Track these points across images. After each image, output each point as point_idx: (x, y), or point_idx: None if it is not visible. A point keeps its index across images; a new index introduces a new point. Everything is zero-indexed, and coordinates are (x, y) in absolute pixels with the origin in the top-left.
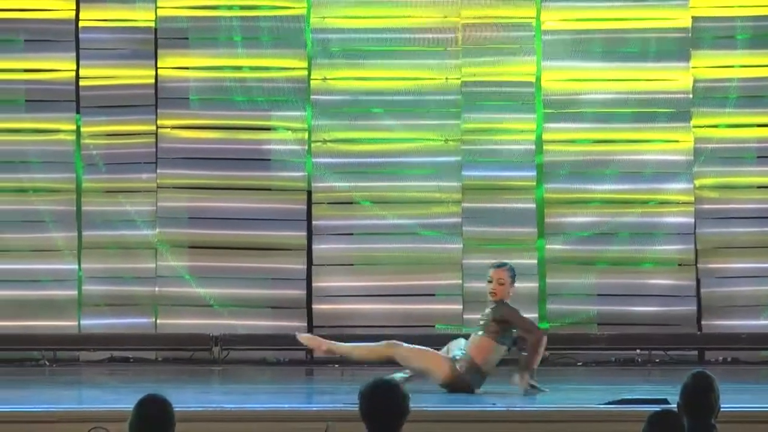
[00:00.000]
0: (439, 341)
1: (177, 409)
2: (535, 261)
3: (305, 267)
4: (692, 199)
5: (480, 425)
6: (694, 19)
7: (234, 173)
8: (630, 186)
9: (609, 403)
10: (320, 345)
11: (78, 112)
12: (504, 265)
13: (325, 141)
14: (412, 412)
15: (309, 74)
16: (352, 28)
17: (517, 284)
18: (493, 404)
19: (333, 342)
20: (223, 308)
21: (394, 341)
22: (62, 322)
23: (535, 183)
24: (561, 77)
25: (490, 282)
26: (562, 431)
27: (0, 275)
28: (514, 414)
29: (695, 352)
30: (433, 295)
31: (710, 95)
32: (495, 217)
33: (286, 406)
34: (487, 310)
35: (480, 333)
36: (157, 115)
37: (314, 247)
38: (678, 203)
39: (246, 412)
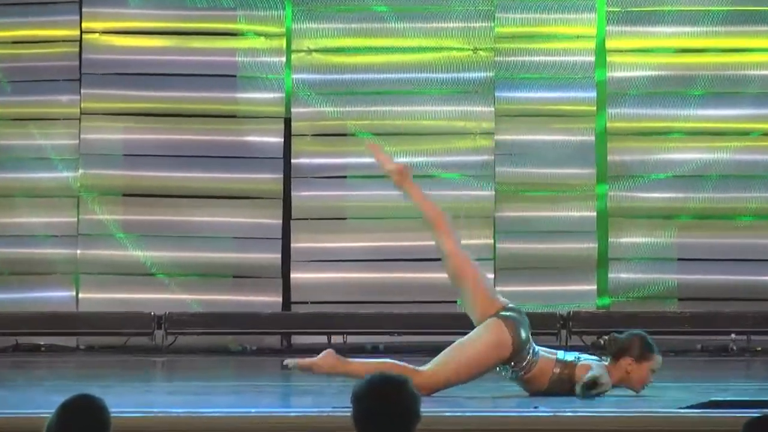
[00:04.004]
0: (463, 322)
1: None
2: (594, 213)
3: (281, 222)
4: None
5: None
6: None
7: (186, 95)
8: (724, 112)
9: (691, 407)
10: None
11: None
12: None
13: (309, 50)
14: (424, 418)
15: None
16: None
17: (571, 245)
18: (536, 407)
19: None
20: (169, 278)
21: None
22: None
23: (594, 108)
24: None
25: None
26: None
27: None
28: (561, 420)
29: None
30: None
31: None
32: (540, 154)
33: (254, 410)
34: None
35: None
36: (81, 15)
37: (293, 194)
38: None
39: (200, 418)
